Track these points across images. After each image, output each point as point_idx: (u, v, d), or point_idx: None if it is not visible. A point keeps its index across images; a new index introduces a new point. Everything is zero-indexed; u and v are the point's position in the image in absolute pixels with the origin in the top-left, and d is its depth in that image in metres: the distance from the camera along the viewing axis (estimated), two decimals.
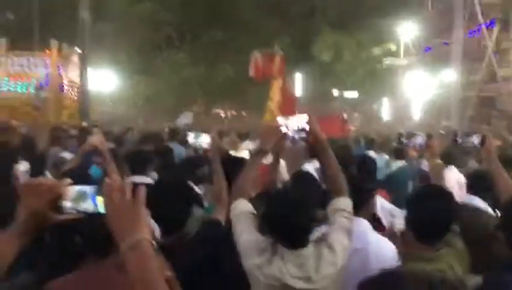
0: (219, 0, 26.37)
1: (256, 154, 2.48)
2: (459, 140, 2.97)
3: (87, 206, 1.30)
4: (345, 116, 13.73)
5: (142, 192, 1.22)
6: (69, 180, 1.34)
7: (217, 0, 26.41)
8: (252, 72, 12.39)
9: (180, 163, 4.43)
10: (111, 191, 1.21)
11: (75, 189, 1.31)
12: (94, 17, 19.80)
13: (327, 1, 26.63)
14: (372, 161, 4.65)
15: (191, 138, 3.16)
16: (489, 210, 3.30)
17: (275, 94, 11.78)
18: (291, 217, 2.03)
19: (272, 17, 26.06)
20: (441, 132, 16.96)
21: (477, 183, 3.45)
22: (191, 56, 27.06)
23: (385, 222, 3.91)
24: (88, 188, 1.31)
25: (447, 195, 2.25)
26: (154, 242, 1.21)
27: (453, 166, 5.64)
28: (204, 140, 3.10)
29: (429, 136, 2.45)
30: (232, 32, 26.55)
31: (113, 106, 32.53)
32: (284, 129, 2.38)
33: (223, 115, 36.68)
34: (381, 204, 3.98)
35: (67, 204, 1.31)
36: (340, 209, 2.25)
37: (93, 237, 1.80)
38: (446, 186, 4.22)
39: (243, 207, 2.29)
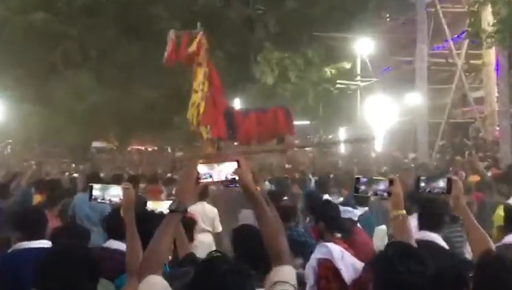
0: (131, 6, 26.23)
1: (172, 214, 2.41)
2: (423, 185, 3.02)
3: None
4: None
5: None
6: None
7: (128, 7, 26.27)
8: (165, 56, 12.30)
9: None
10: None
11: None
12: None
13: (267, 12, 27.27)
14: (335, 208, 4.78)
15: (96, 190, 2.94)
16: None
17: (200, 85, 11.63)
18: None
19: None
20: (406, 167, 17.60)
21: None
22: (98, 77, 26.62)
23: (346, 276, 4.00)
24: None
25: (420, 256, 2.30)
26: None
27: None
28: (114, 193, 2.91)
29: (391, 182, 2.56)
30: (149, 46, 26.50)
31: None
32: (206, 180, 2.43)
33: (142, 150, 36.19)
34: (343, 255, 4.15)
35: None
36: (280, 282, 2.22)
37: None
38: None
39: (154, 286, 2.20)
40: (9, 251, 3.88)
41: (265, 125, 11.25)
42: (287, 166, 17.30)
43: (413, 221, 5.60)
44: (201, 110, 11.78)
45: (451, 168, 15.76)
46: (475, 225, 3.02)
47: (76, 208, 7.36)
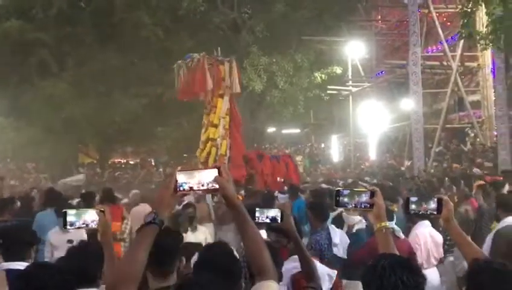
0: (110, 13, 26.16)
1: (147, 226, 2.31)
2: (413, 207, 2.98)
3: None
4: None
5: None
6: None
7: (107, 14, 26.19)
8: (178, 93, 12.89)
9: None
10: None
11: None
12: None
13: (253, 16, 27.29)
14: None
15: (70, 216, 2.82)
16: None
17: (221, 120, 11.84)
18: None
19: (183, 34, 26.30)
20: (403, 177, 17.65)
21: None
22: (75, 87, 26.46)
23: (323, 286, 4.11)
24: None
25: (414, 266, 2.30)
26: None
27: (426, 221, 6.22)
28: (90, 218, 2.85)
29: (372, 193, 2.53)
30: (130, 54, 26.40)
31: None
32: (184, 188, 2.37)
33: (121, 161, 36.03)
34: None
35: None
36: None
37: None
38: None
39: None
40: None
41: (278, 174, 12.44)
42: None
43: (421, 228, 6.17)
44: (223, 150, 12.00)
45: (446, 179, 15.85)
46: (467, 242, 3.12)
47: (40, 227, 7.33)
